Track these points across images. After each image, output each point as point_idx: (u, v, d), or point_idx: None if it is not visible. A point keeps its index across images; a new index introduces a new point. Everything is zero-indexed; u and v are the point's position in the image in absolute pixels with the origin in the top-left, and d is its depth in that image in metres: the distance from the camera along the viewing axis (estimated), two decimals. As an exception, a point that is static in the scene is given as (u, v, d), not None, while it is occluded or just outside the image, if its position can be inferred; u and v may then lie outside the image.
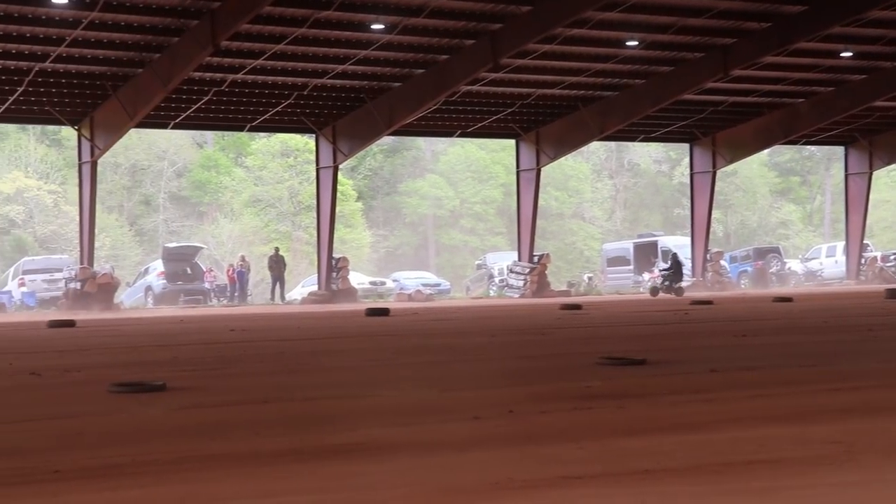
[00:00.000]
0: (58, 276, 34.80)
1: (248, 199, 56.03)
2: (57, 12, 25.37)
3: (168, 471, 3.79)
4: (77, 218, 34.49)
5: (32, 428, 4.98)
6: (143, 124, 32.54)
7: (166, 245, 40.98)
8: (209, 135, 59.34)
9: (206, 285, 37.35)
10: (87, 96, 30.42)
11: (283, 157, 55.48)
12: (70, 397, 6.38)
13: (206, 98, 31.17)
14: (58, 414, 5.49)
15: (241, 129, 37.28)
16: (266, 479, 3.64)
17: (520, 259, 37.88)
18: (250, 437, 4.52)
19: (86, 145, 31.71)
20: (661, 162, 68.52)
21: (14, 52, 27.05)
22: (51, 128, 51.39)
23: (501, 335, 12.22)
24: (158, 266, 37.60)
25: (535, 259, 37.39)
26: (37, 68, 27.90)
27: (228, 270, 38.51)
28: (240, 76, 29.98)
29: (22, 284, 36.02)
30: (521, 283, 37.16)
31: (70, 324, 17.79)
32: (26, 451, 4.26)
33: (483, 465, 3.78)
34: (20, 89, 29.02)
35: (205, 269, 38.92)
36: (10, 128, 52.53)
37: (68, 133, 44.62)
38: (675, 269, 34.01)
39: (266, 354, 9.89)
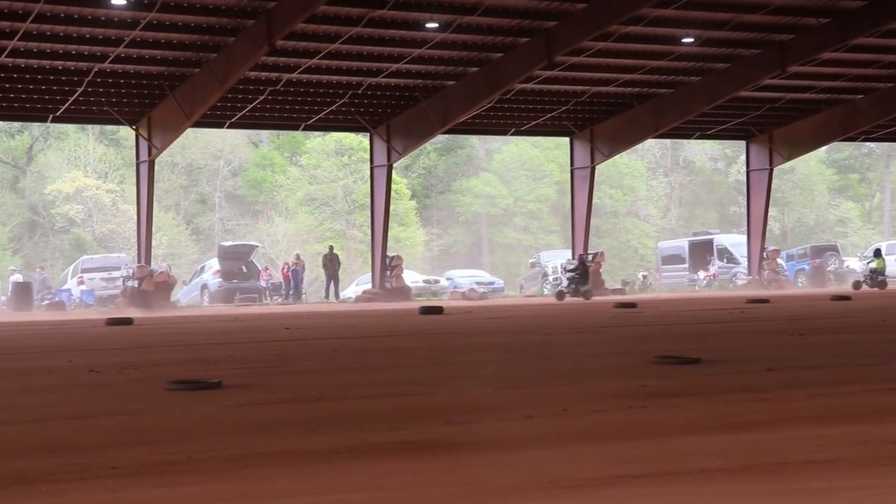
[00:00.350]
0: (116, 274, 35.23)
1: (302, 197, 56.34)
2: (116, 13, 25.68)
3: (224, 468, 3.82)
4: (135, 217, 34.90)
5: (91, 424, 5.05)
6: (199, 124, 32.84)
7: (222, 244, 41.33)
8: (264, 134, 59.75)
9: (262, 283, 37.61)
10: (144, 96, 30.76)
11: (337, 155, 55.72)
12: (128, 394, 6.45)
13: (261, 97, 31.39)
14: (116, 411, 5.56)
15: (296, 128, 37.49)
16: (320, 476, 3.65)
17: (574, 257, 37.73)
18: (305, 435, 4.54)
19: (143, 145, 32.07)
20: (716, 159, 67.94)
21: (74, 52, 27.42)
22: (109, 128, 52.02)
23: (555, 333, 12.18)
24: (214, 264, 37.92)
25: (590, 257, 37.25)
26: (96, 69, 28.26)
27: (283, 269, 38.74)
28: (295, 75, 30.15)
29: (81, 283, 36.50)
30: (575, 282, 36.98)
31: (128, 322, 17.99)
32: (85, 447, 4.31)
33: (537, 463, 3.77)
34: (80, 90, 29.41)
35: (260, 268, 39.21)
36: (70, 128, 53.24)
37: (126, 133, 45.16)
38: (582, 271, 31.88)
39: (320, 352, 9.94)
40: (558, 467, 3.66)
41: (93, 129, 54.79)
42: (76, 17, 25.61)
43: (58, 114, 31.44)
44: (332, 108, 32.99)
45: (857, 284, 32.77)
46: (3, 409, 5.72)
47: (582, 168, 37.36)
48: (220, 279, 36.66)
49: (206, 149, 57.05)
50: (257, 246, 42.06)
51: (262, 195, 57.17)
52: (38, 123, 48.59)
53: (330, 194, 56.12)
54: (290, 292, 36.92)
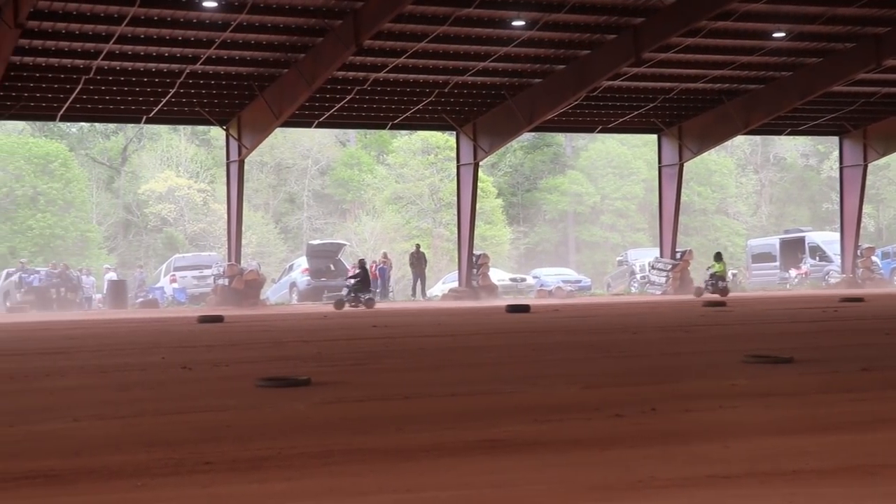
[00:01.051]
0: (207, 272, 35.77)
1: (389, 196, 56.65)
2: (207, 15, 26.07)
3: (313, 464, 3.85)
4: (225, 216, 35.40)
5: (184, 420, 5.13)
6: (287, 123, 33.16)
7: (310, 242, 41.68)
8: (352, 133, 60.19)
9: (352, 280, 37.87)
10: (234, 97, 31.18)
11: (424, 154, 55.92)
12: (219, 391, 6.55)
13: (349, 97, 31.62)
14: (208, 407, 5.65)
15: (382, 126, 37.68)
16: (409, 474, 3.67)
17: (662, 255, 37.33)
18: (393, 433, 4.57)
19: (233, 145, 32.52)
20: (808, 156, 66.68)
21: (166, 55, 27.90)
22: (200, 128, 52.87)
23: (644, 332, 12.07)
24: (303, 263, 38.28)
25: (678, 255, 36.82)
26: (188, 70, 28.73)
27: (371, 267, 39.03)
28: (382, 74, 30.31)
29: (173, 281, 37.12)
30: (663, 280, 36.65)
31: (219, 319, 18.27)
32: (178, 442, 4.39)
33: (626, 462, 3.74)
34: (172, 91, 29.93)
35: (349, 266, 39.54)
36: (163, 129, 54.21)
37: (217, 133, 45.84)
38: (363, 277, 28.68)
39: (408, 350, 9.98)
40: (648, 467, 3.63)
41: (184, 130, 55.74)
42: (169, 19, 26.07)
43: (151, 115, 32.03)
44: (419, 106, 33.11)
45: (698, 291, 30.60)
46: (100, 404, 5.86)
47: (670, 165, 36.97)
48: (309, 277, 37.01)
49: (294, 148, 57.67)
50: (345, 244, 42.37)
51: (350, 194, 57.62)
52: (132, 125, 49.61)
53: (416, 193, 56.33)
54: (378, 290, 37.17)
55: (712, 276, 30.63)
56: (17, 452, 4.22)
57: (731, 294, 30.04)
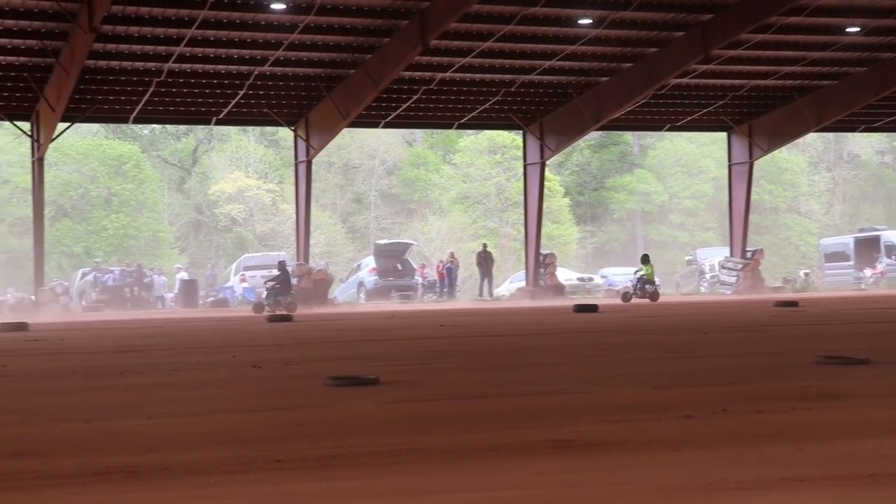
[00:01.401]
0: (276, 272, 36.08)
1: (456, 195, 56.71)
2: (275, 17, 26.33)
3: (382, 462, 3.87)
4: (293, 216, 35.72)
5: (255, 418, 5.19)
6: (354, 124, 33.38)
7: (377, 242, 41.87)
8: (418, 133, 60.35)
9: (419, 279, 38.02)
10: (302, 98, 31.46)
11: (490, 153, 55.89)
12: (289, 389, 6.60)
13: (415, 97, 31.73)
14: (278, 405, 5.70)
15: (449, 126, 37.76)
16: (476, 473, 3.67)
17: (732, 255, 36.95)
18: (460, 432, 4.57)
19: (301, 145, 32.81)
20: (883, 153, 65.45)
21: (235, 57, 28.22)
22: (269, 129, 53.35)
23: (714, 332, 11.95)
24: (370, 262, 38.48)
25: (749, 255, 36.39)
26: (256, 72, 29.04)
27: (438, 266, 39.08)
28: (448, 74, 30.37)
29: (243, 280, 37.51)
30: (733, 280, 36.26)
31: (288, 318, 18.43)
32: (249, 440, 4.43)
33: (696, 464, 3.70)
34: (241, 93, 30.27)
35: (417, 266, 39.66)
36: (232, 130, 54.78)
37: (285, 134, 46.24)
38: (283, 280, 26.79)
39: (475, 350, 9.98)
40: (719, 468, 3.59)
41: (253, 131, 56.28)
42: (238, 22, 26.36)
43: (221, 117, 32.42)
44: (486, 106, 33.10)
45: (625, 296, 28.68)
46: (173, 401, 5.94)
47: (740, 164, 36.55)
48: (377, 277, 37.18)
49: (361, 148, 57.96)
50: (412, 244, 42.48)
51: (417, 193, 57.78)
52: (203, 126, 50.24)
53: (483, 192, 56.32)
54: (445, 290, 37.23)
55: (640, 279, 28.77)
56: (94, 448, 4.30)
57: (801, 294, 29.42)
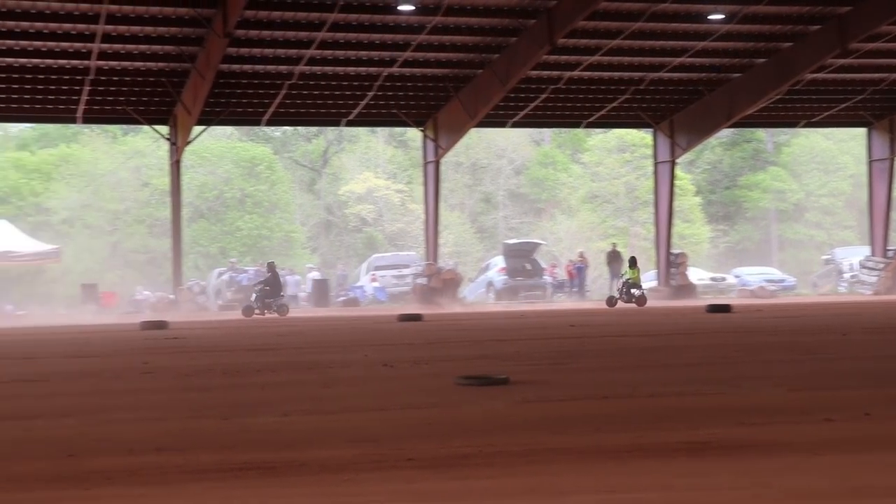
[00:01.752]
0: (405, 271, 36.45)
1: (584, 195, 56.35)
2: (403, 19, 26.57)
3: (514, 462, 3.87)
4: (422, 216, 35.98)
5: (387, 417, 5.24)
6: (482, 123, 33.44)
7: (506, 241, 41.88)
8: (546, 132, 60.15)
9: (549, 279, 37.92)
10: (430, 98, 31.66)
11: (619, 152, 55.37)
12: (420, 389, 6.65)
13: (543, 96, 31.64)
14: (409, 404, 5.74)
15: (577, 125, 37.54)
16: (609, 474, 3.64)
17: (872, 254, 35.88)
18: (592, 433, 4.53)
19: (430, 146, 33.02)
20: None
21: (364, 58, 28.57)
22: (397, 129, 53.84)
23: (854, 333, 11.61)
24: (499, 262, 38.51)
25: (890, 254, 35.27)
26: (385, 73, 29.35)
27: (567, 266, 38.91)
28: (576, 73, 30.19)
29: (373, 280, 37.95)
30: (874, 279, 35.20)
31: (417, 318, 18.57)
32: (382, 438, 4.48)
33: (837, 469, 3.60)
34: (370, 94, 30.64)
35: (547, 266, 39.56)
36: (362, 131, 55.41)
37: (413, 134, 46.59)
38: (272, 282, 25.96)
39: (606, 350, 9.90)
40: (862, 474, 3.48)
41: (382, 132, 56.87)
42: (366, 24, 26.68)
43: (350, 118, 32.85)
44: (614, 104, 32.80)
45: (611, 301, 27.01)
46: (307, 399, 6.04)
47: (881, 160, 35.42)
48: (506, 276, 37.19)
49: (489, 148, 58.01)
50: (541, 244, 42.37)
51: (545, 193, 57.60)
52: (332, 128, 51.00)
53: (612, 191, 55.83)
54: (574, 290, 37.03)
55: (625, 283, 27.20)
56: (232, 444, 4.40)
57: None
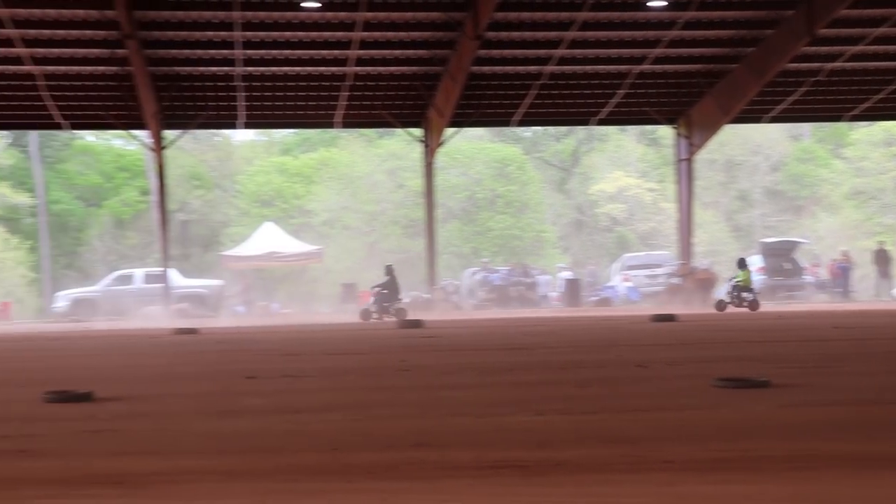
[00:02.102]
0: (658, 271, 35.94)
1: (848, 191, 53.96)
2: (653, 15, 26.21)
3: (779, 468, 3.72)
4: (675, 215, 35.38)
5: (642, 418, 5.15)
6: (737, 119, 32.57)
7: (764, 240, 40.61)
8: (805, 127, 57.97)
9: (811, 279, 36.53)
10: (682, 95, 31.09)
11: (886, 146, 52.70)
12: (675, 390, 6.51)
13: (801, 89, 30.49)
14: (664, 406, 5.63)
15: (838, 119, 36.00)
16: (885, 484, 3.44)
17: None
18: (864, 440, 4.30)
19: (682, 143, 32.42)
20: None
21: (614, 56, 28.37)
22: (648, 127, 53.19)
23: None
24: (757, 261, 37.41)
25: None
26: (635, 71, 29.03)
27: (830, 266, 37.35)
28: (838, 64, 28.93)
29: (626, 279, 37.63)
30: None
31: (671, 318, 18.25)
32: (638, 439, 4.40)
33: None
34: (620, 92, 30.39)
35: (808, 265, 38.13)
36: (611, 129, 55.11)
37: (664, 132, 45.89)
38: (390, 285, 25.13)
39: (874, 353, 9.42)
40: None
41: (632, 130, 56.34)
42: (616, 21, 26.49)
43: (600, 117, 32.69)
44: (880, 95, 31.22)
45: (720, 305, 24.90)
46: (561, 399, 6.03)
47: None
48: (764, 276, 36.06)
49: (744, 144, 56.44)
50: (801, 242, 40.84)
51: (804, 190, 55.53)
52: (582, 127, 50.90)
53: (878, 187, 53.18)
54: (839, 290, 35.49)
55: (735, 286, 25.00)
56: (487, 442, 4.44)
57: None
